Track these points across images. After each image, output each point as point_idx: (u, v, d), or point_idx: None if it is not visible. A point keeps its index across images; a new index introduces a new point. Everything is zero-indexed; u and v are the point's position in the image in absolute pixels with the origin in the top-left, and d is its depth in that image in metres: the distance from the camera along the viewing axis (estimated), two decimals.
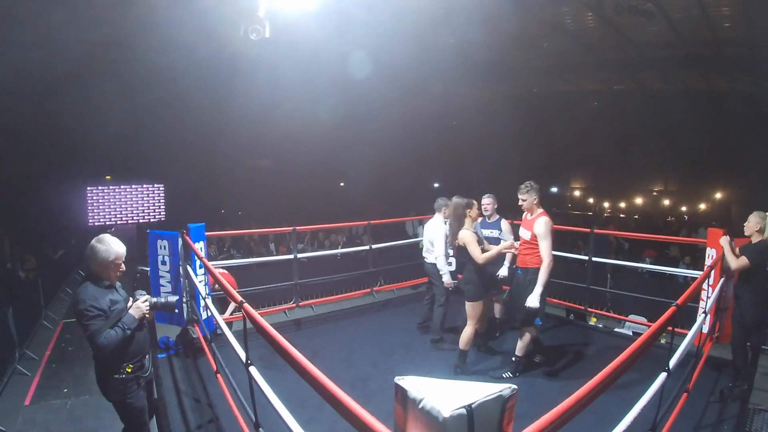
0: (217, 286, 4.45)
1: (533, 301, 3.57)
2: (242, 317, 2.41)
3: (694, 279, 4.00)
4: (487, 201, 4.61)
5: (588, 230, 5.52)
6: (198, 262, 4.23)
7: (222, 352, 3.58)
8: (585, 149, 16.25)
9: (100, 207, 11.90)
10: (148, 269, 4.65)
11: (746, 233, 3.67)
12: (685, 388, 2.94)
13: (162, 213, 12.73)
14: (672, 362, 2.45)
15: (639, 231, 9.20)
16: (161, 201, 12.75)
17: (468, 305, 3.88)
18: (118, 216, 12.14)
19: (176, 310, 2.80)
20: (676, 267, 6.87)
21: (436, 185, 18.28)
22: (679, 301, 2.35)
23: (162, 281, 4.51)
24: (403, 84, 12.26)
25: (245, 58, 9.18)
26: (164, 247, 4.47)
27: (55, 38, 7.82)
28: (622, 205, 18.36)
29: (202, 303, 4.24)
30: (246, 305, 2.36)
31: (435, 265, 4.58)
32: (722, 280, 3.75)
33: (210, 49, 8.61)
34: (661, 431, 2.51)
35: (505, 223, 4.65)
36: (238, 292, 3.13)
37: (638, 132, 15.05)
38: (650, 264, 7.42)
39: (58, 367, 5.37)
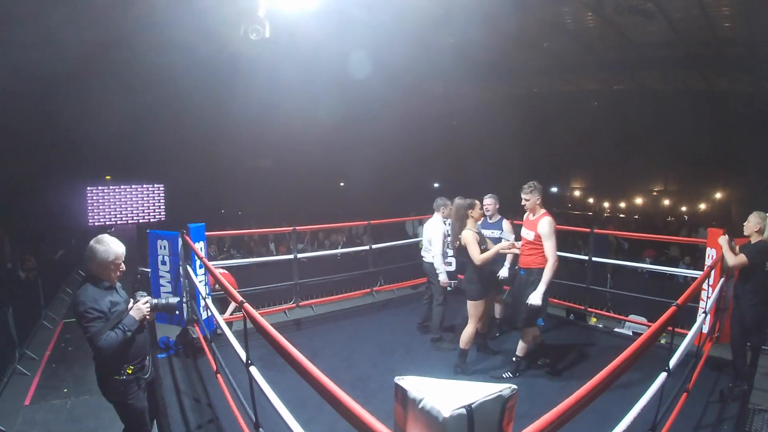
0: (217, 286, 4.45)
1: (536, 298, 3.58)
2: (242, 317, 2.40)
3: (694, 279, 4.00)
4: (489, 201, 4.62)
5: (588, 230, 5.52)
6: (198, 262, 4.23)
7: (222, 352, 3.58)
8: (585, 149, 16.23)
9: (100, 207, 11.90)
10: (149, 270, 4.63)
11: (746, 233, 3.67)
12: (685, 388, 2.94)
13: (162, 213, 12.73)
14: (672, 362, 2.45)
15: (639, 231, 9.19)
16: (161, 201, 12.76)
17: (469, 304, 3.90)
18: (118, 216, 12.15)
19: (177, 312, 2.80)
20: (676, 267, 6.87)
21: (436, 185, 18.28)
22: (679, 301, 2.35)
23: (162, 281, 4.51)
24: (403, 84, 12.27)
25: (245, 58, 9.18)
26: (164, 247, 4.47)
27: (55, 38, 7.83)
28: (622, 205, 18.35)
29: (202, 303, 4.24)
30: (246, 305, 2.36)
31: (433, 264, 4.59)
32: (722, 280, 3.75)
33: (210, 49, 8.61)
34: (661, 431, 2.51)
35: (506, 224, 4.65)
36: (238, 292, 3.13)
37: (638, 132, 15.04)
38: (650, 263, 7.42)
39: (58, 367, 5.37)
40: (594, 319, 6.27)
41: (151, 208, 12.66)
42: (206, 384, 3.75)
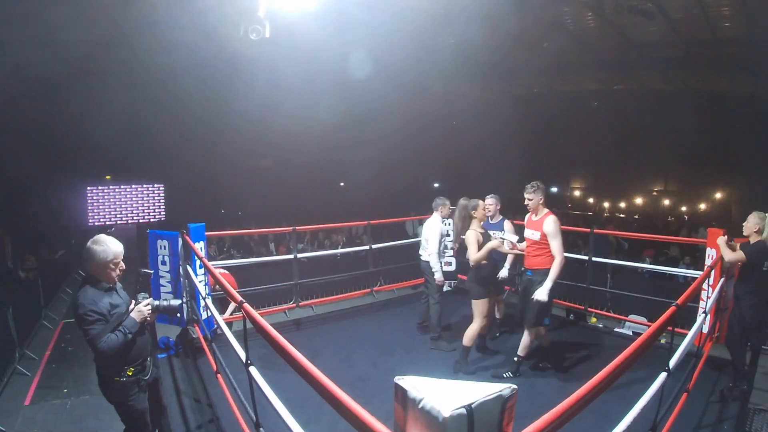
0: (217, 286, 4.44)
1: (542, 294, 3.59)
2: (242, 317, 2.40)
3: (694, 279, 4.00)
4: (490, 202, 4.62)
5: (588, 230, 5.52)
6: (198, 262, 4.23)
7: (222, 352, 3.58)
8: (585, 149, 16.24)
9: (100, 207, 11.92)
10: (151, 272, 4.59)
11: (745, 233, 3.68)
12: (685, 388, 2.94)
13: (162, 213, 12.74)
14: (672, 362, 2.44)
15: (639, 231, 9.19)
16: (161, 201, 12.77)
17: (473, 303, 3.94)
18: (118, 216, 12.16)
19: (178, 315, 2.79)
20: (676, 267, 6.87)
21: (436, 185, 18.27)
22: (679, 301, 2.35)
23: (162, 281, 4.51)
24: (403, 84, 12.26)
25: (245, 58, 9.19)
26: (164, 247, 4.47)
27: (55, 38, 7.82)
28: (622, 205, 18.35)
29: (202, 303, 4.24)
30: (246, 305, 2.36)
31: (429, 262, 4.60)
32: (722, 280, 3.75)
33: (210, 49, 8.61)
34: (661, 431, 2.51)
35: (507, 224, 4.65)
36: (238, 292, 3.13)
37: (638, 132, 15.05)
38: (649, 263, 7.42)
39: (58, 367, 5.37)
40: (594, 319, 6.27)
41: (151, 208, 12.68)
42: (206, 384, 3.75)
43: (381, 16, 7.85)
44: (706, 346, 3.63)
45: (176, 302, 2.62)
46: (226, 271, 5.02)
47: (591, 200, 19.54)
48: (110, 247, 2.39)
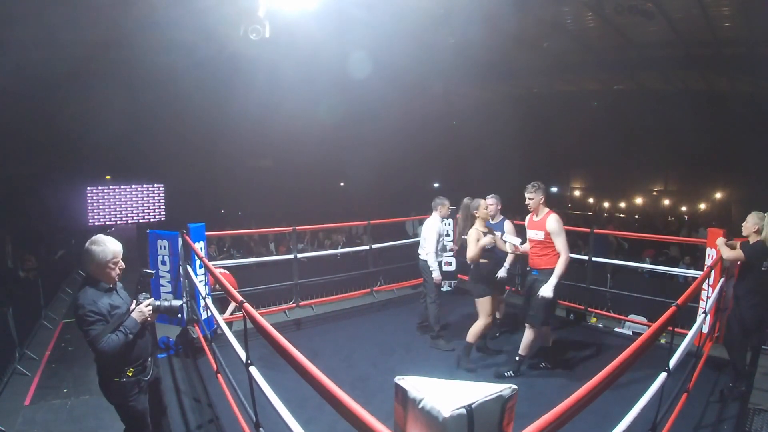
0: (217, 286, 4.45)
1: (547, 290, 3.62)
2: (242, 317, 2.40)
3: (694, 279, 4.00)
4: (491, 202, 4.61)
5: (588, 230, 5.52)
6: (198, 262, 4.23)
7: (222, 352, 3.58)
8: (585, 149, 16.23)
9: (100, 207, 11.93)
10: (153, 272, 4.57)
11: (744, 233, 3.68)
12: (685, 388, 2.94)
13: (162, 213, 12.76)
14: (672, 362, 2.45)
15: (639, 231, 9.19)
16: (161, 201, 12.79)
17: (477, 302, 3.99)
18: (118, 216, 12.17)
19: (179, 315, 2.78)
20: (676, 267, 6.87)
21: (436, 185, 18.27)
22: (679, 301, 2.36)
23: (162, 281, 4.51)
24: (403, 84, 12.25)
25: (245, 58, 9.18)
26: (164, 247, 4.47)
27: (55, 38, 7.82)
28: (622, 205, 18.34)
29: (202, 303, 4.24)
30: (246, 305, 2.36)
31: (426, 261, 4.62)
32: (722, 280, 3.75)
33: (210, 49, 8.60)
34: (661, 431, 2.51)
35: (508, 224, 4.65)
36: (238, 292, 3.13)
37: (638, 132, 15.03)
38: (649, 263, 7.42)
39: (58, 367, 5.36)
40: (594, 319, 6.26)
41: (151, 208, 12.69)
42: (206, 384, 3.75)
43: (381, 16, 7.84)
44: (706, 346, 3.64)
45: (177, 302, 2.62)
46: (227, 271, 5.03)
47: (591, 200, 19.53)
48: (109, 246, 2.38)
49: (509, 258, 4.55)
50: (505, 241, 4.08)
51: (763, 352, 4.03)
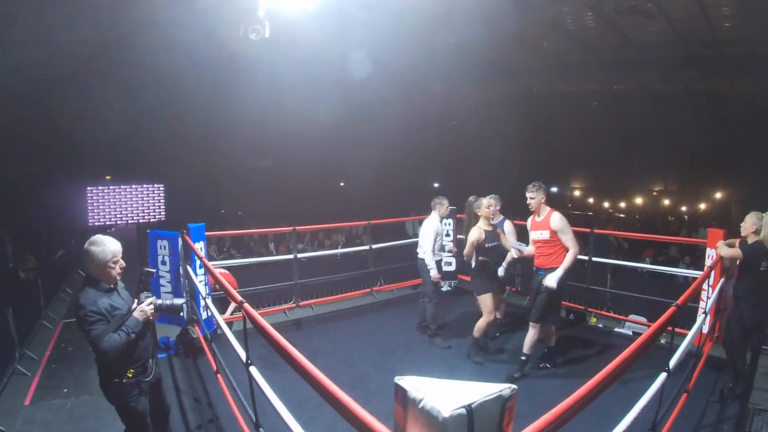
0: (217, 286, 4.45)
1: (552, 280, 3.64)
2: (242, 317, 2.40)
3: (694, 279, 4.00)
4: (490, 202, 4.63)
5: (588, 230, 5.52)
6: (198, 262, 4.23)
7: (222, 352, 3.58)
8: (585, 149, 16.23)
9: (100, 207, 11.92)
10: (154, 270, 4.55)
11: (742, 234, 3.68)
12: (685, 388, 2.94)
13: (162, 213, 12.75)
14: (672, 362, 2.45)
15: (640, 231, 9.19)
16: (161, 201, 12.78)
17: (479, 299, 4.07)
18: (118, 216, 12.17)
19: (181, 313, 2.78)
20: (676, 267, 6.87)
21: (436, 185, 18.27)
22: (679, 301, 2.36)
23: (162, 281, 4.51)
24: (403, 84, 12.25)
25: (245, 58, 9.18)
26: (164, 247, 4.47)
27: (55, 38, 7.82)
28: (623, 205, 18.34)
29: (202, 303, 4.25)
30: (246, 305, 2.36)
31: (424, 260, 4.63)
32: (722, 280, 3.75)
33: (210, 49, 8.60)
34: (661, 431, 2.51)
35: (508, 224, 4.66)
36: (238, 292, 3.14)
37: (638, 132, 15.05)
38: (649, 263, 7.41)
39: (58, 367, 5.36)
40: (594, 319, 6.26)
41: (151, 208, 12.69)
42: (206, 384, 3.75)
43: (381, 16, 7.84)
44: (706, 346, 3.64)
45: (179, 301, 2.60)
46: (226, 271, 5.03)
47: (591, 200, 19.53)
48: (108, 246, 2.37)
49: (508, 257, 4.56)
50: (514, 247, 4.12)
51: (763, 352, 4.03)
